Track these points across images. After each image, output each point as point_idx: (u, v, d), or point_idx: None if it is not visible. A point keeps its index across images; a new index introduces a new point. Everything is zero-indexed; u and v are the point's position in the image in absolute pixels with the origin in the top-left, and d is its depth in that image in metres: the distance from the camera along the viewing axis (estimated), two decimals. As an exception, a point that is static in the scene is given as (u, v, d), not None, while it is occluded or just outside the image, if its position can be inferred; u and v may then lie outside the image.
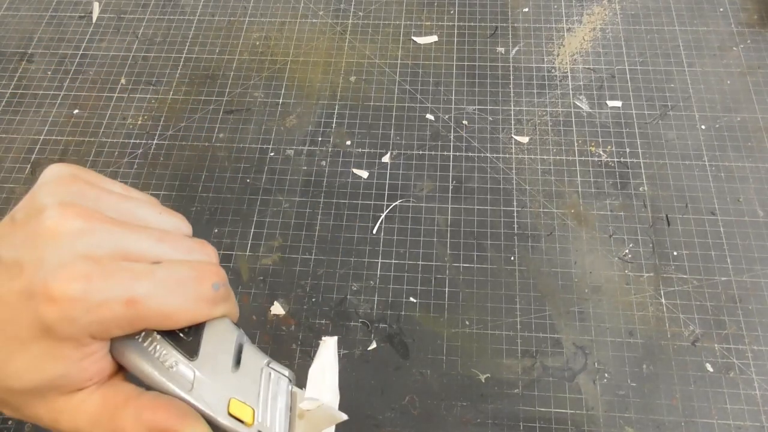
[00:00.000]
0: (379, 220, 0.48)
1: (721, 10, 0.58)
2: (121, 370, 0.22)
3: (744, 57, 0.55)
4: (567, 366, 0.42)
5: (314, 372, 0.24)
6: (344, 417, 0.22)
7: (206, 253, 0.23)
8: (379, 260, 0.46)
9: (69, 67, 0.58)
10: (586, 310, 0.44)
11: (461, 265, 0.46)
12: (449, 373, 0.42)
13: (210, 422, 0.21)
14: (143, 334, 0.21)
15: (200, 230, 0.48)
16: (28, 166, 0.52)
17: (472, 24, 0.59)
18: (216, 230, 0.48)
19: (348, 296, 0.45)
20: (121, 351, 0.21)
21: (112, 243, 0.20)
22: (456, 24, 0.59)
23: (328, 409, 0.22)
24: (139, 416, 0.21)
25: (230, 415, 0.21)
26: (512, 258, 0.46)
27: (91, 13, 0.62)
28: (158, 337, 0.21)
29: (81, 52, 0.59)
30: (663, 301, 0.44)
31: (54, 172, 0.22)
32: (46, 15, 0.61)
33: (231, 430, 0.21)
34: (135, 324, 0.20)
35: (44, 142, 0.53)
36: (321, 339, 0.25)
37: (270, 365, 0.23)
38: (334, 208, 0.49)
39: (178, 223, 0.24)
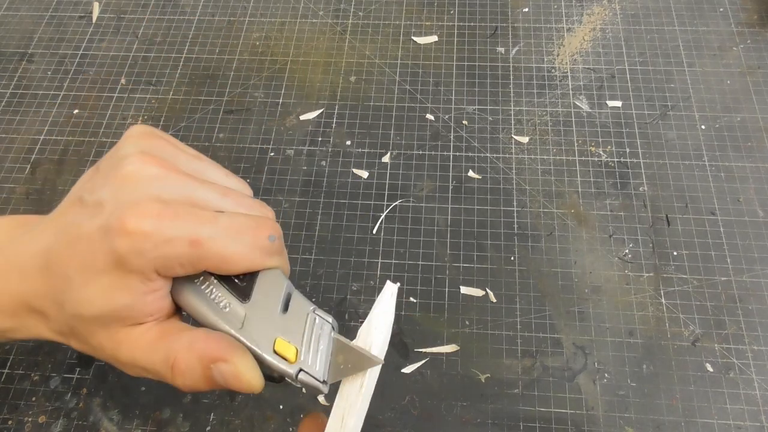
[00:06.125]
0: (379, 220, 0.48)
1: (721, 10, 0.58)
2: (177, 314, 0.24)
3: (744, 57, 0.55)
4: (567, 366, 0.42)
5: (375, 314, 0.26)
6: (380, 361, 0.24)
7: (264, 211, 0.26)
8: (379, 260, 0.46)
9: (69, 67, 0.58)
10: (586, 310, 0.44)
11: (461, 265, 0.46)
12: (449, 373, 0.42)
13: (256, 358, 0.23)
14: (201, 277, 0.23)
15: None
16: (28, 166, 0.52)
17: (472, 24, 0.59)
18: (216, 230, 0.48)
19: (348, 296, 0.45)
20: (180, 292, 0.23)
21: (183, 191, 0.23)
22: (456, 24, 0.59)
23: (363, 352, 0.24)
24: (192, 346, 0.23)
25: (275, 352, 0.23)
26: (512, 258, 0.46)
27: (91, 13, 0.62)
28: (215, 281, 0.23)
29: (81, 52, 0.59)
30: (663, 301, 0.44)
31: (137, 128, 0.25)
32: (46, 15, 0.61)
33: (275, 366, 0.23)
34: (196, 264, 0.22)
35: (44, 142, 0.53)
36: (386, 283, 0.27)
37: (315, 312, 0.25)
38: (334, 208, 0.49)
39: (241, 186, 0.27)
